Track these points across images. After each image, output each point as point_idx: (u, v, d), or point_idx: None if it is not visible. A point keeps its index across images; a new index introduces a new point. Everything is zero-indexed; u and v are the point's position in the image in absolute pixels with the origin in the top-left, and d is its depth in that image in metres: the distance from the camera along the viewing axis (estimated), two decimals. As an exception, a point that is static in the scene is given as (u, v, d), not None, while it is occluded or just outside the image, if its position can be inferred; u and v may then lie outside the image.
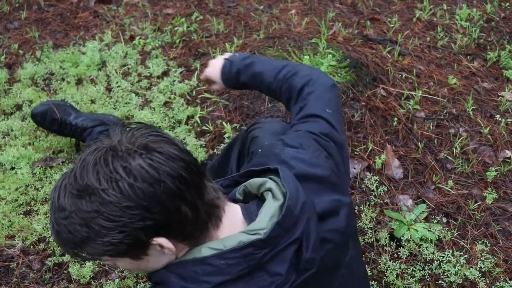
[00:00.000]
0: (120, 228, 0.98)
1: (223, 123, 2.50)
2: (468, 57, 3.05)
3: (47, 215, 2.14)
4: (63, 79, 2.84)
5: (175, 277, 1.07)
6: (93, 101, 2.70)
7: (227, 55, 1.78)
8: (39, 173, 2.33)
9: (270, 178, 1.19)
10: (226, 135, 2.44)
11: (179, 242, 1.06)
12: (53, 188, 1.06)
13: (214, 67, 1.77)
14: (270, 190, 1.16)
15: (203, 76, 1.86)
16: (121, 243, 0.99)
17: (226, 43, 2.96)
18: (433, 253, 2.05)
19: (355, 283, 1.35)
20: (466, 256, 2.05)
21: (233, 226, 1.11)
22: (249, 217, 1.14)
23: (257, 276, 1.07)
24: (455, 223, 2.18)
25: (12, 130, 2.54)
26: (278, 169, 1.18)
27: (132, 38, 3.12)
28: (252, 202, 1.20)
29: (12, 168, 2.36)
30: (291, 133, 1.41)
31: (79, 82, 2.83)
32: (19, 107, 2.68)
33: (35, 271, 2.00)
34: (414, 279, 1.98)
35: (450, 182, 2.31)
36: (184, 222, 1.03)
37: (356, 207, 2.19)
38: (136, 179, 0.97)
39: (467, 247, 2.09)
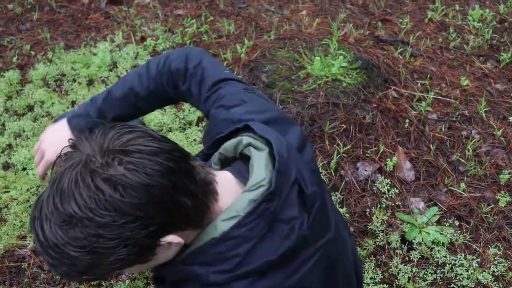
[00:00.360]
0: (124, 243, 0.92)
1: (234, 124, 2.49)
2: (481, 58, 3.02)
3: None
4: (74, 80, 2.85)
5: (199, 267, 1.04)
6: (104, 102, 2.71)
7: (56, 125, 1.55)
8: (51, 174, 2.33)
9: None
10: (236, 137, 2.44)
11: (186, 230, 1.03)
12: (31, 219, 0.95)
13: (57, 146, 1.33)
14: (250, 144, 1.14)
15: (42, 175, 1.57)
16: (128, 256, 0.94)
17: (237, 44, 2.95)
18: (445, 257, 2.03)
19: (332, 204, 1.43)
20: (478, 259, 2.03)
21: (230, 191, 1.09)
22: (241, 175, 1.13)
23: (276, 228, 1.06)
24: (468, 226, 2.16)
25: (23, 131, 2.55)
26: (248, 124, 1.16)
27: (143, 39, 3.12)
28: (235, 163, 1.18)
29: (24, 169, 2.37)
30: (224, 98, 1.35)
31: (90, 83, 2.84)
32: (30, 108, 2.69)
33: (46, 272, 2.00)
34: (425, 282, 1.96)
35: (463, 185, 2.29)
36: (186, 212, 0.99)
37: (367, 210, 2.18)
38: (125, 190, 0.89)
39: (480, 250, 2.07)
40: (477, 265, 2.01)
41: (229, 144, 1.18)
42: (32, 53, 3.07)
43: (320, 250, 1.14)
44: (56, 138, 1.52)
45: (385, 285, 1.94)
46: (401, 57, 2.91)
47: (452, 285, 1.96)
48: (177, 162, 0.97)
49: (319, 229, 1.15)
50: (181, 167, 0.98)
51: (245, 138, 1.15)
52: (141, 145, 0.94)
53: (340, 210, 2.15)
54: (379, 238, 2.08)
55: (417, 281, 1.97)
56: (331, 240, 1.19)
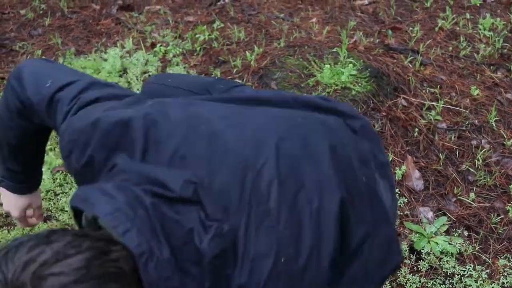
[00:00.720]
0: None
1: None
2: (491, 67, 3.01)
3: (68, 222, 2.16)
4: (84, 86, 2.87)
5: None
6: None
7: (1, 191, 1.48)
8: (60, 179, 2.35)
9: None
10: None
11: None
12: None
13: (13, 205, 1.47)
14: (96, 217, 0.99)
15: (26, 225, 1.57)
16: None
17: (247, 51, 2.96)
18: (454, 267, 2.02)
19: None
20: (488, 271, 2.01)
21: None
22: None
23: (184, 257, 0.91)
24: (477, 236, 2.14)
25: (34, 136, 2.56)
26: (73, 207, 1.00)
27: (153, 45, 3.14)
28: None
29: (33, 174, 2.39)
30: (60, 142, 1.15)
31: (100, 88, 2.86)
32: (41, 113, 2.71)
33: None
34: (434, 293, 1.95)
35: (472, 195, 2.27)
36: None
37: (376, 219, 2.16)
38: None
39: (489, 261, 2.06)
40: (487, 276, 1.99)
41: (85, 224, 1.02)
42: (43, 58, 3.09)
43: (251, 210, 0.95)
44: (6, 201, 1.49)
45: (393, 295, 1.93)
46: (411, 66, 2.90)
47: (460, 296, 1.95)
48: (102, 276, 0.82)
49: (225, 198, 0.96)
50: (107, 275, 0.83)
51: (86, 214, 1.00)
52: (54, 276, 0.78)
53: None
54: (387, 247, 2.07)
55: (425, 291, 1.96)
56: (256, 177, 0.98)
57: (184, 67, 2.95)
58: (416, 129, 2.50)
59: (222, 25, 3.31)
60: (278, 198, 0.98)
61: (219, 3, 3.59)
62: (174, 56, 3.06)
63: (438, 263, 2.03)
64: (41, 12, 3.53)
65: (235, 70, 2.83)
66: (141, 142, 1.00)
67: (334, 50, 2.81)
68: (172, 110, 1.07)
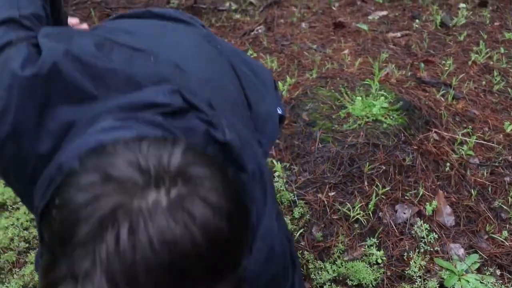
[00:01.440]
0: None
1: (274, 161, 2.52)
2: (526, 102, 2.98)
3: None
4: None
5: None
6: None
7: None
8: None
9: None
10: (276, 174, 2.46)
11: None
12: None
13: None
14: None
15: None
16: None
17: (279, 81, 3.00)
18: (485, 307, 1.98)
19: None
20: (520, 312, 1.97)
21: None
22: None
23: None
24: (510, 276, 2.10)
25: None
26: None
27: (187, 73, 3.20)
28: None
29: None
30: None
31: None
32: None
33: None
34: (464, 333, 1.91)
35: (505, 233, 2.24)
36: None
37: (405, 254, 2.15)
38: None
39: (522, 302, 2.02)
40: (519, 318, 1.95)
41: None
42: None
43: None
44: None
45: (421, 333, 1.90)
46: (443, 99, 2.89)
47: (491, 337, 1.91)
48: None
49: (198, 93, 1.01)
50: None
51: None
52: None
53: (377, 253, 2.13)
54: (416, 284, 2.05)
55: (455, 330, 1.93)
56: None
57: (217, 96, 3.00)
58: (448, 164, 2.48)
59: (255, 54, 3.36)
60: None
61: (253, 33, 3.65)
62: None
63: (469, 302, 2.00)
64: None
65: (267, 100, 2.87)
66: (87, 82, 0.89)
67: (366, 82, 2.82)
68: (79, 39, 0.98)
